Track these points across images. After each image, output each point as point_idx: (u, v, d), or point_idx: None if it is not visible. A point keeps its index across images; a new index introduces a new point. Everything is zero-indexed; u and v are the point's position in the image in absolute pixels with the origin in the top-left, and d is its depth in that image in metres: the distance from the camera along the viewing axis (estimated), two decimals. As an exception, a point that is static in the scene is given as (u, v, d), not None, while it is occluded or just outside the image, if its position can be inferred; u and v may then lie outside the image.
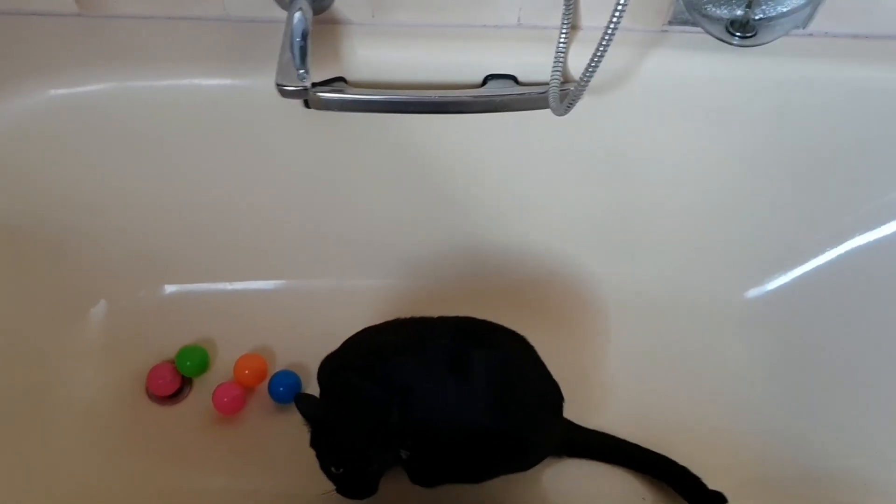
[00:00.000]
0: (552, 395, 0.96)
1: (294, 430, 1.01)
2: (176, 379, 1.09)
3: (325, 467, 0.86)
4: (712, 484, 0.99)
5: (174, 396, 1.10)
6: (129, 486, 1.01)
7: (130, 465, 1.03)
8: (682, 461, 1.02)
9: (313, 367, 1.05)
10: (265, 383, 1.10)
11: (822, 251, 1.15)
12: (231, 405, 1.07)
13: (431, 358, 0.90)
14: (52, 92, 0.93)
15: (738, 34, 0.95)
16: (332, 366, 0.92)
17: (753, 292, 1.20)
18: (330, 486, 0.86)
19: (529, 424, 0.93)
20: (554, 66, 0.94)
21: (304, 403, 0.86)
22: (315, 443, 0.86)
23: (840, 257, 1.13)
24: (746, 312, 1.19)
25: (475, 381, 0.88)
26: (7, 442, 0.95)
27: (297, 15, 0.88)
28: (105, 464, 1.02)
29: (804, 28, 0.99)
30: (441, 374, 0.88)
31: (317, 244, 1.18)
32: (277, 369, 1.11)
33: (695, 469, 1.02)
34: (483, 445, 0.90)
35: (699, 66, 0.98)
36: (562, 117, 0.93)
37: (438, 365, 0.89)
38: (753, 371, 1.14)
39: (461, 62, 0.98)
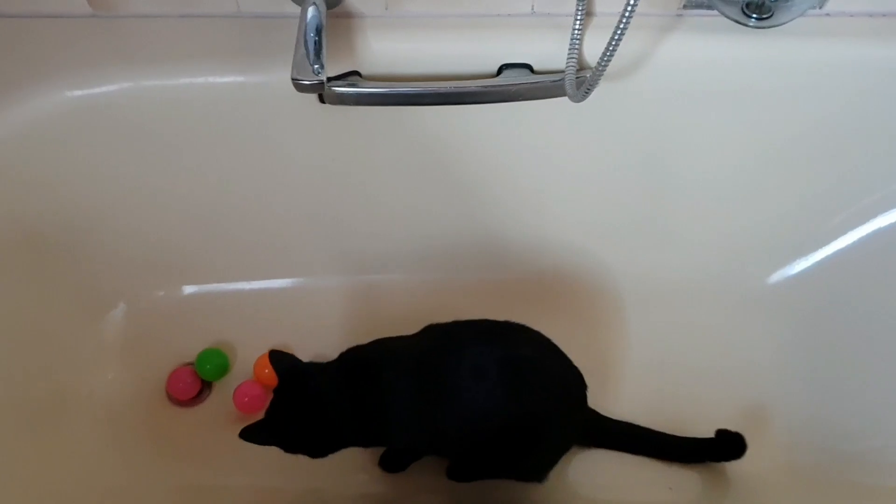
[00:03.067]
0: (574, 390, 0.95)
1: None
2: (196, 383, 1.09)
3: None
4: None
5: (194, 399, 1.10)
6: (150, 485, 1.01)
7: (151, 464, 1.03)
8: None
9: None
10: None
11: (843, 234, 1.14)
12: (252, 404, 1.07)
13: (451, 363, 0.88)
14: (69, 93, 0.93)
15: (754, 16, 0.95)
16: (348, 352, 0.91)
17: (775, 277, 1.19)
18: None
19: (548, 427, 0.92)
20: (569, 54, 0.94)
21: (278, 360, 0.87)
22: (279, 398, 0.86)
23: (861, 240, 1.13)
24: (769, 298, 1.19)
25: (494, 385, 0.87)
26: (29, 442, 0.95)
27: (311, 10, 0.89)
28: (125, 463, 1.02)
29: (820, 8, 0.98)
30: (460, 378, 0.87)
31: (333, 241, 1.18)
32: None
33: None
34: (505, 444, 0.90)
35: (716, 49, 0.98)
36: (577, 105, 0.92)
37: (459, 370, 0.88)
38: (777, 356, 1.13)
39: (475, 52, 0.97)
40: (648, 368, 1.13)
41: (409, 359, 0.88)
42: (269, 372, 1.09)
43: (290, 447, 0.86)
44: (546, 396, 0.90)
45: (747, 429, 1.02)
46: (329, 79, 0.91)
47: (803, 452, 1.04)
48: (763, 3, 0.94)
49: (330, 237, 1.17)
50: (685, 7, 0.98)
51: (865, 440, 1.02)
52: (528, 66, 0.98)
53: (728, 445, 0.99)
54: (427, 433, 0.91)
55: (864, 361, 1.08)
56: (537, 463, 0.97)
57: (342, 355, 0.90)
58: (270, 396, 1.07)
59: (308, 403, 0.85)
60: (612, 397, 1.06)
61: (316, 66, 0.85)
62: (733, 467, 0.98)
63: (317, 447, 0.86)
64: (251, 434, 0.83)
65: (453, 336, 0.91)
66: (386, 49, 0.96)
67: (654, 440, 1.02)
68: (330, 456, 0.88)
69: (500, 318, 1.08)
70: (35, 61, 0.94)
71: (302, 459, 1.01)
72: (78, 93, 0.93)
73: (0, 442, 0.91)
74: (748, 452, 0.98)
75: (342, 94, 0.95)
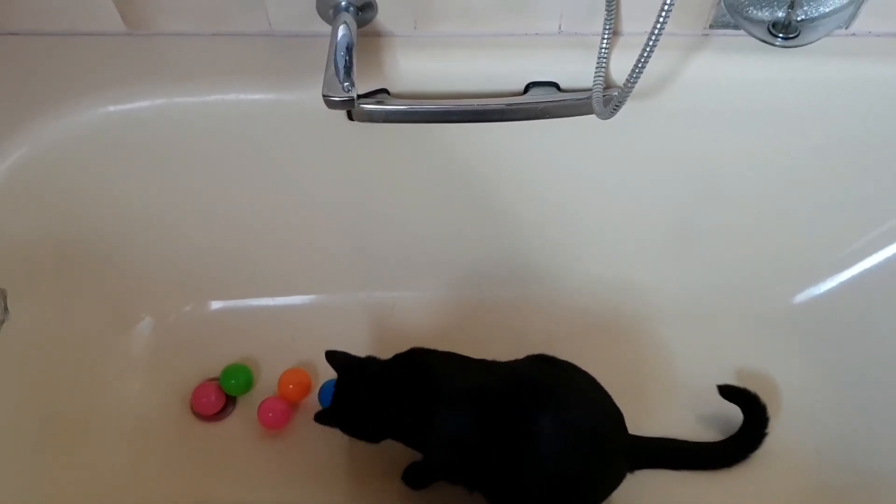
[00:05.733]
0: (616, 434, 0.95)
1: (341, 443, 1.02)
2: (220, 398, 1.09)
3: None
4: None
5: (218, 415, 1.10)
6: (173, 499, 1.02)
7: (175, 478, 1.03)
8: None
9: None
10: (310, 397, 1.10)
11: (870, 254, 1.13)
12: (276, 420, 1.07)
13: (503, 415, 0.89)
14: (104, 109, 0.95)
15: (780, 35, 0.95)
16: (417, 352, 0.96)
17: (801, 297, 1.19)
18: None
19: (592, 480, 0.93)
20: (596, 72, 0.95)
21: (333, 357, 0.95)
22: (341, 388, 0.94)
23: (889, 259, 1.12)
24: (795, 317, 1.18)
25: (542, 448, 0.88)
26: (55, 456, 0.96)
27: (342, 29, 0.90)
28: (150, 477, 1.03)
29: (847, 28, 0.99)
30: (509, 431, 0.88)
31: (358, 257, 1.18)
32: (321, 383, 1.10)
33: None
34: (547, 494, 0.90)
35: (742, 68, 0.98)
36: (604, 123, 0.93)
37: (510, 423, 0.88)
38: (804, 375, 1.12)
39: (503, 71, 0.98)
40: (674, 386, 1.12)
41: (467, 389, 0.91)
42: (293, 388, 1.09)
43: (348, 432, 0.94)
44: (590, 457, 0.90)
45: (775, 448, 1.01)
46: (358, 96, 0.92)
47: (831, 472, 1.03)
48: (789, 23, 0.95)
49: (356, 254, 1.18)
50: (711, 27, 0.99)
51: (894, 459, 1.01)
52: (554, 85, 0.99)
53: (750, 413, 1.02)
54: (463, 464, 0.92)
55: (892, 380, 1.07)
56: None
57: (411, 353, 0.95)
58: (294, 412, 1.09)
59: (362, 395, 0.92)
60: (637, 414, 1.05)
61: (346, 84, 0.86)
62: (763, 487, 0.97)
63: (369, 435, 0.94)
64: (322, 418, 0.94)
65: (511, 382, 0.92)
66: (414, 67, 0.97)
67: (692, 451, 1.02)
68: (355, 469, 0.95)
69: (525, 336, 1.09)
70: (72, 78, 0.96)
71: (323, 473, 1.03)
72: (113, 108, 0.95)
73: (30, 453, 0.92)
74: (776, 473, 0.98)
75: (371, 112, 0.96)
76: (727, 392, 1.04)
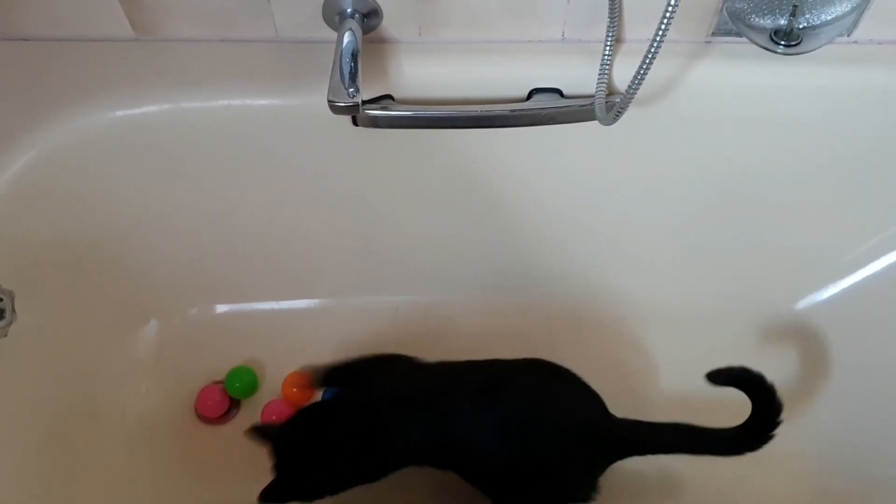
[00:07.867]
0: (591, 419, 0.94)
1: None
2: (224, 401, 1.10)
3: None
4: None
5: (223, 417, 1.11)
6: (176, 502, 1.02)
7: (179, 481, 1.04)
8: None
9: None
10: (313, 401, 1.10)
11: (872, 261, 1.14)
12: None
13: (455, 417, 0.90)
14: (112, 114, 0.95)
15: (782, 43, 0.96)
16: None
17: (804, 303, 1.19)
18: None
19: (566, 468, 0.92)
20: (599, 78, 0.95)
21: (261, 433, 0.91)
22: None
23: (891, 266, 1.12)
24: (797, 323, 1.18)
25: (497, 444, 0.88)
26: (59, 457, 0.97)
27: (347, 35, 0.90)
28: (153, 479, 1.04)
29: (849, 35, 0.99)
30: (460, 432, 0.89)
31: (362, 262, 1.19)
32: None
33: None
34: (526, 487, 0.91)
35: (744, 76, 0.98)
36: (607, 129, 0.94)
37: (460, 425, 0.89)
38: (805, 381, 1.13)
39: (506, 77, 0.99)
40: (675, 393, 1.12)
41: (410, 407, 0.90)
42: (296, 391, 1.10)
43: (305, 497, 0.89)
44: (554, 447, 0.90)
45: (777, 453, 1.01)
46: (363, 102, 0.93)
47: (833, 477, 1.03)
48: (791, 31, 0.95)
49: (360, 258, 1.18)
50: (714, 34, 0.99)
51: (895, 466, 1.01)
52: (558, 91, 0.99)
53: (763, 402, 0.95)
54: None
55: (893, 386, 1.07)
56: (573, 493, 0.95)
57: (339, 397, 0.95)
58: (298, 415, 1.09)
59: (306, 459, 0.89)
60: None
61: (351, 90, 0.87)
62: (763, 493, 0.97)
63: (330, 489, 0.90)
64: (270, 496, 0.88)
65: (457, 382, 0.92)
66: (419, 73, 0.98)
67: (690, 434, 0.98)
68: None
69: (527, 340, 1.09)
70: (81, 83, 0.97)
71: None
72: (121, 113, 0.96)
73: (35, 453, 0.93)
74: (777, 478, 0.97)
75: (375, 117, 0.97)
76: (720, 377, 0.95)
